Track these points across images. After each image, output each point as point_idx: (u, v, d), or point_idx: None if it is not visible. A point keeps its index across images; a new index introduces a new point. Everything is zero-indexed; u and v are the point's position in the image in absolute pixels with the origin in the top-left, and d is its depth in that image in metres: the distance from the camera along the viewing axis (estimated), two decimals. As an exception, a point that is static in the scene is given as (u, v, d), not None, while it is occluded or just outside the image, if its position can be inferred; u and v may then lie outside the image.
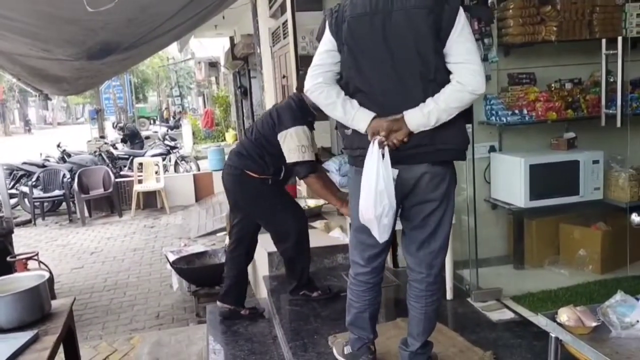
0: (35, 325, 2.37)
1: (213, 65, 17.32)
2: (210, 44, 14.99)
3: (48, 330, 2.35)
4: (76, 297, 2.87)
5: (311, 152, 3.02)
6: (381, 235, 2.04)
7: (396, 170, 1.99)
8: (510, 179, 3.59)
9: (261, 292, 4.10)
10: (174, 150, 11.51)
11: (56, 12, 3.59)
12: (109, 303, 5.26)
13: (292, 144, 2.99)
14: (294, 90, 3.25)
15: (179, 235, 7.56)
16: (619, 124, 3.09)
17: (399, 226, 2.23)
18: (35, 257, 4.93)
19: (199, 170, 10.89)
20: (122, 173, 10.21)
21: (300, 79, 3.17)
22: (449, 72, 2.00)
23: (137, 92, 30.24)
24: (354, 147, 2.13)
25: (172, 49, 19.25)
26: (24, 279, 2.61)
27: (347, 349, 2.43)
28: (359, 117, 2.05)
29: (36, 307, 2.44)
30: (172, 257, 5.07)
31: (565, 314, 1.91)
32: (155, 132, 18.95)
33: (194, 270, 4.88)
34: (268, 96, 7.22)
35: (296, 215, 3.27)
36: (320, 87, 2.11)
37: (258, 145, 3.15)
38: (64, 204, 9.22)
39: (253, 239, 3.39)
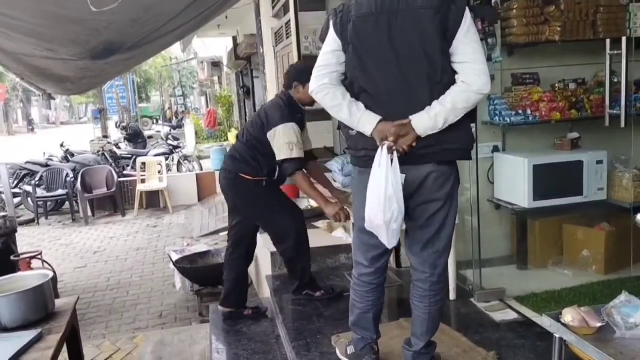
0: (39, 324, 2.38)
1: (216, 65, 17.35)
2: (213, 44, 15.00)
3: (52, 329, 2.36)
4: (79, 297, 2.87)
5: (299, 149, 3.02)
6: (390, 240, 2.03)
7: (403, 175, 1.98)
8: (513, 179, 3.58)
9: (264, 291, 4.11)
10: (177, 150, 11.54)
11: (61, 11, 3.60)
12: (112, 302, 5.27)
13: (281, 141, 3.01)
14: (282, 88, 3.26)
15: (182, 235, 7.58)
16: (623, 125, 3.09)
17: (402, 226, 2.23)
18: (39, 257, 4.95)
19: (201, 170, 10.90)
20: (125, 173, 10.23)
21: (288, 76, 3.19)
22: (455, 73, 2.00)
23: (140, 91, 30.33)
24: (359, 148, 2.12)
25: (175, 49, 19.27)
26: (28, 278, 2.62)
27: (350, 349, 2.43)
28: (364, 120, 2.04)
29: (40, 306, 2.45)
30: (175, 257, 5.08)
31: (569, 315, 1.91)
32: (158, 131, 19.03)
33: (197, 270, 4.89)
34: (271, 96, 7.19)
35: (294, 215, 3.27)
36: (326, 88, 2.09)
37: (250, 147, 3.16)
38: (67, 203, 9.26)
39: (252, 240, 3.39)
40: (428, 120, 1.97)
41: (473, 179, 3.16)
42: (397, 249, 3.61)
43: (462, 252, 3.24)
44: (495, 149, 3.75)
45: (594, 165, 3.56)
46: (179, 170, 11.15)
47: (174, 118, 24.69)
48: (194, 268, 4.91)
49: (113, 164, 10.20)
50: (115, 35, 4.40)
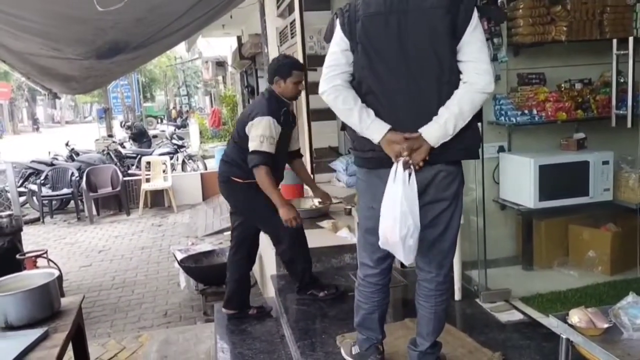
0: (45, 323, 2.38)
1: (220, 64, 17.36)
2: (217, 44, 15.02)
3: (58, 327, 2.36)
4: (85, 295, 2.88)
5: (270, 144, 3.00)
6: (407, 256, 1.99)
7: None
8: (519, 179, 3.57)
9: (269, 291, 4.11)
10: (182, 149, 11.56)
11: (67, 11, 3.62)
12: (117, 301, 5.28)
13: (254, 133, 3.02)
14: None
15: (187, 234, 7.59)
16: (629, 125, 3.08)
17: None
18: (45, 255, 4.97)
19: (206, 169, 10.92)
20: (129, 172, 10.26)
21: (269, 70, 3.19)
22: (461, 73, 1.99)
23: (145, 91, 30.39)
24: (366, 149, 2.10)
25: (180, 49, 19.32)
26: (34, 277, 2.62)
27: (355, 349, 2.43)
28: (373, 128, 2.02)
29: (46, 305, 2.46)
30: (179, 256, 5.09)
31: (576, 316, 1.90)
32: (163, 131, 19.07)
33: (202, 269, 4.90)
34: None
35: None
36: (338, 90, 2.07)
37: (239, 149, 3.16)
38: (72, 202, 9.29)
39: (254, 241, 3.40)
40: (438, 129, 1.96)
41: (478, 179, 3.15)
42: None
43: (468, 252, 3.23)
44: (501, 149, 3.74)
45: (600, 166, 3.55)
46: (183, 169, 11.17)
47: (179, 117, 24.76)
48: (198, 267, 4.93)
49: (118, 163, 10.24)
50: (120, 34, 4.42)
